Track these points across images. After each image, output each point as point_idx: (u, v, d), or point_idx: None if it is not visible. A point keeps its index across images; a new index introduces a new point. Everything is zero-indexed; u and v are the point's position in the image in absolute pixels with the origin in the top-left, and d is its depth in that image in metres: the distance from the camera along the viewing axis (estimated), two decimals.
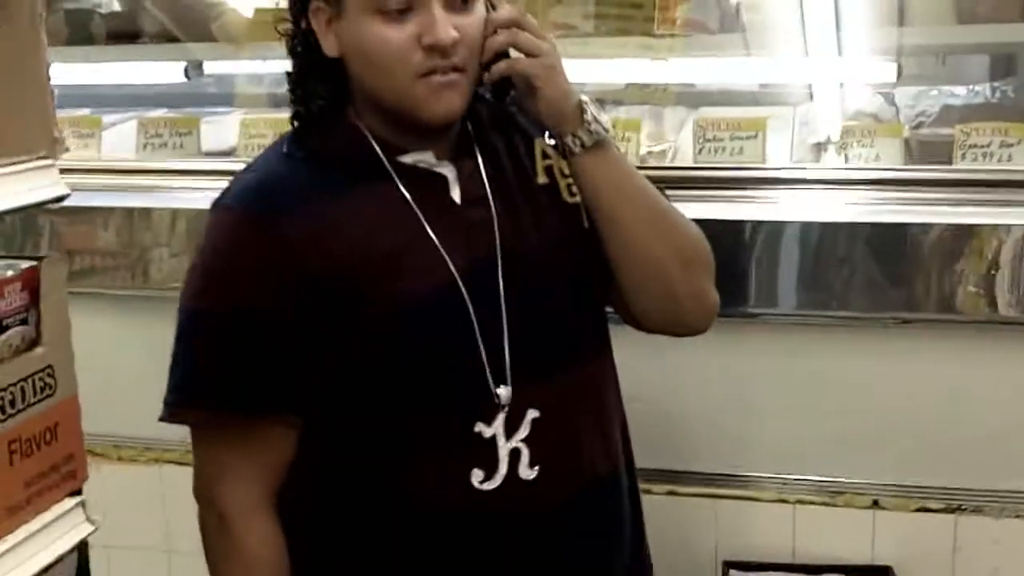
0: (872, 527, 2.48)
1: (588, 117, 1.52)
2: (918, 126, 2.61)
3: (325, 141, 1.58)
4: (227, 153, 2.86)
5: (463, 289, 1.52)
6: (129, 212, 2.70)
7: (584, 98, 1.53)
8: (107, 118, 3.08)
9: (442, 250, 1.51)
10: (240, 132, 2.79)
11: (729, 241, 2.28)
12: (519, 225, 1.57)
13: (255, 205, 1.54)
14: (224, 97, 3.32)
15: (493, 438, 1.52)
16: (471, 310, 1.52)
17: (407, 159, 1.55)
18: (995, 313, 2.30)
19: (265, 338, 1.52)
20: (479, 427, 1.52)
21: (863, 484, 2.49)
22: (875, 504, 2.48)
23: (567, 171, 1.59)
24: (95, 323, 2.83)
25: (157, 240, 2.69)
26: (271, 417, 1.56)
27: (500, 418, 1.52)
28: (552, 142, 1.59)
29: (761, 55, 2.69)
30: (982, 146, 2.40)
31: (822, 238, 2.34)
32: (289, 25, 1.54)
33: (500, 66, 1.49)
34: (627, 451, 1.72)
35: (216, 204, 1.59)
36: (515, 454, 1.52)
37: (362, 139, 1.54)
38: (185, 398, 1.57)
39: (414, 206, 1.52)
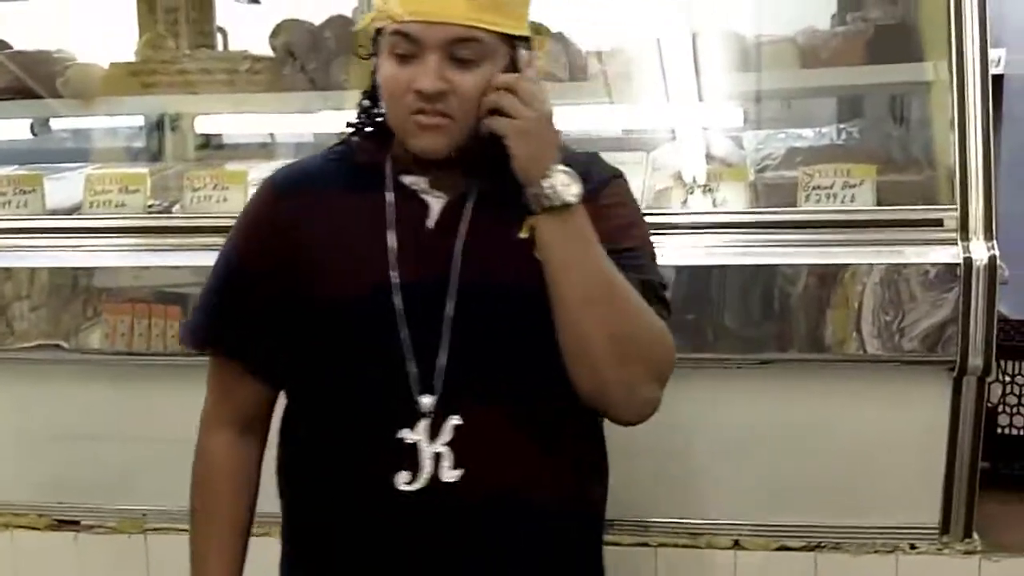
0: (734, 567, 2.49)
1: (546, 183, 1.59)
2: (763, 169, 2.64)
3: (355, 150, 1.78)
4: (72, 210, 2.80)
5: (397, 301, 1.66)
6: None
7: (558, 166, 1.60)
8: None
9: (393, 262, 1.67)
10: (85, 188, 2.74)
11: None
12: (485, 262, 1.67)
13: (278, 181, 1.81)
14: (77, 152, 3.26)
15: (415, 443, 1.65)
16: (401, 321, 1.66)
17: (406, 179, 1.72)
18: (856, 352, 2.35)
19: (243, 290, 1.77)
20: (402, 432, 1.65)
21: (724, 524, 2.51)
22: (736, 544, 2.50)
23: None
24: None
25: (19, 298, 2.64)
26: (230, 359, 1.81)
27: (423, 424, 1.65)
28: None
29: (616, 102, 2.72)
30: (825, 187, 2.44)
31: (689, 282, 2.37)
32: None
33: (486, 122, 1.62)
34: (583, 501, 1.77)
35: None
36: (438, 458, 1.64)
37: (381, 155, 1.74)
38: (185, 324, 1.92)
39: (390, 220, 1.70)
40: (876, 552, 2.47)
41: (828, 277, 2.34)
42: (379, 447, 1.67)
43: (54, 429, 2.73)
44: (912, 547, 2.47)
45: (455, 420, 1.65)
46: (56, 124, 3.24)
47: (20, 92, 3.07)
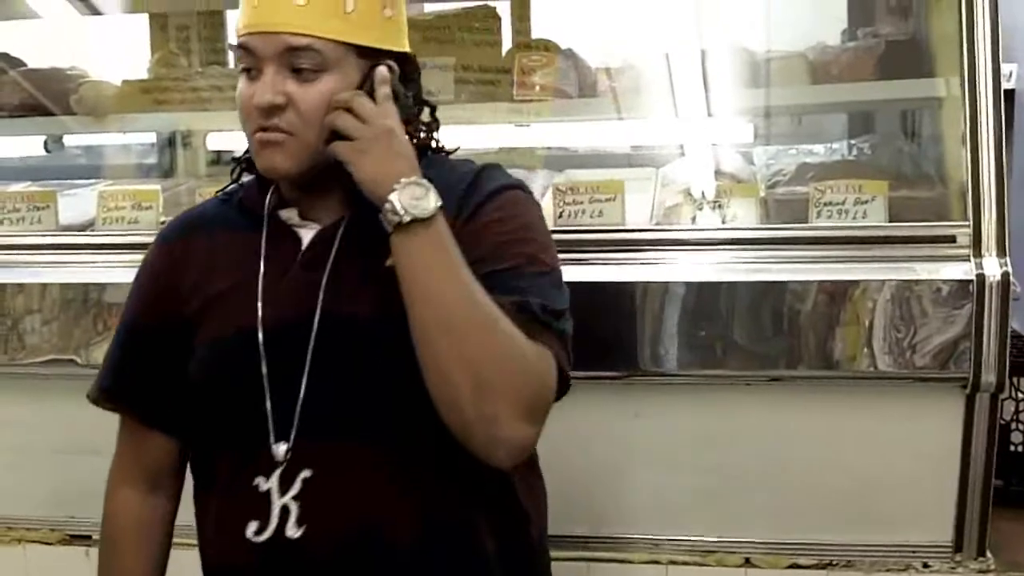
0: None
1: (393, 197, 1.49)
2: (774, 185, 2.64)
3: (242, 189, 1.75)
4: (85, 226, 2.81)
5: (260, 341, 1.60)
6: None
7: (409, 180, 1.50)
8: None
9: (260, 302, 1.61)
10: (98, 205, 2.75)
11: (596, 302, 2.30)
12: (351, 296, 1.59)
13: (165, 231, 1.80)
14: (89, 169, 3.28)
15: (268, 492, 1.58)
16: (263, 363, 1.60)
17: (282, 214, 1.66)
18: (867, 368, 2.33)
19: (136, 343, 1.75)
20: (258, 480, 1.59)
21: (735, 542, 2.50)
22: (747, 562, 2.49)
23: None
24: None
25: (30, 312, 2.65)
26: (129, 413, 1.79)
27: (276, 473, 1.58)
28: None
29: (626, 118, 2.72)
30: (837, 203, 2.43)
31: (699, 298, 2.36)
32: None
33: (329, 147, 1.55)
34: (472, 540, 1.64)
35: None
36: (285, 511, 1.57)
37: (262, 192, 1.69)
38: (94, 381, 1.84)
39: (261, 257, 1.64)
40: (888, 570, 2.45)
41: (839, 293, 2.33)
42: (240, 494, 1.61)
43: (65, 444, 2.73)
44: (925, 565, 2.45)
45: (305, 473, 1.57)
46: (69, 141, 3.26)
47: (34, 109, 3.09)
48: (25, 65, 3.27)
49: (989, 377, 2.30)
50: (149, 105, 3.01)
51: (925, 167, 2.72)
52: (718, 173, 2.69)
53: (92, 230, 2.78)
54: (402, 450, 1.58)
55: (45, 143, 3.10)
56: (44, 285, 2.63)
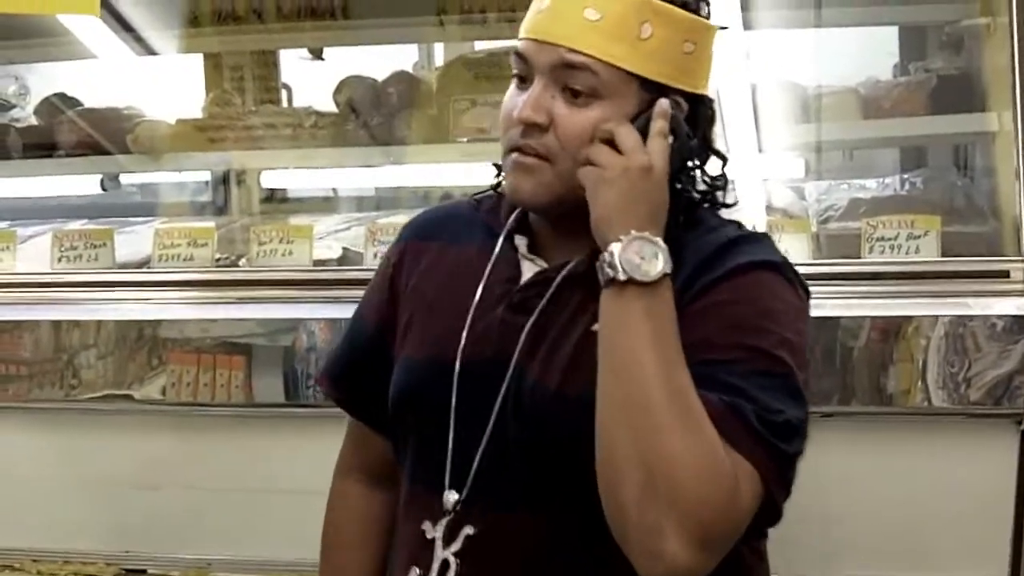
0: None
1: (615, 248, 1.31)
2: (826, 220, 2.63)
3: (493, 198, 1.60)
4: (142, 263, 2.85)
5: (456, 373, 1.48)
6: (56, 324, 2.68)
7: (642, 234, 1.31)
8: (26, 231, 3.08)
9: (466, 330, 1.48)
10: (154, 242, 2.78)
11: None
12: (546, 357, 1.44)
13: (409, 228, 1.68)
14: (145, 207, 3.33)
15: (433, 540, 1.48)
16: (453, 398, 1.47)
17: (517, 239, 1.52)
18: (920, 404, 2.32)
19: (359, 343, 1.67)
20: (426, 524, 1.49)
21: None
22: None
23: None
24: (13, 436, 2.81)
25: (86, 347, 2.67)
26: (337, 402, 1.73)
27: (444, 523, 1.47)
28: None
29: None
30: (889, 239, 2.42)
31: None
32: None
33: (578, 172, 1.39)
34: None
35: None
36: (446, 565, 1.46)
37: (510, 208, 1.53)
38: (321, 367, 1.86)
39: (483, 281, 1.50)
40: None
41: (892, 329, 2.31)
42: (410, 532, 1.53)
43: (121, 478, 2.76)
44: None
45: (468, 530, 1.45)
46: (125, 179, 3.33)
47: (90, 148, 3.16)
48: (82, 105, 3.34)
49: None
50: (204, 144, 3.06)
51: (978, 202, 2.71)
52: (769, 208, 2.69)
53: (149, 267, 2.82)
54: (572, 528, 1.42)
55: (102, 181, 3.17)
56: (104, 322, 2.65)
